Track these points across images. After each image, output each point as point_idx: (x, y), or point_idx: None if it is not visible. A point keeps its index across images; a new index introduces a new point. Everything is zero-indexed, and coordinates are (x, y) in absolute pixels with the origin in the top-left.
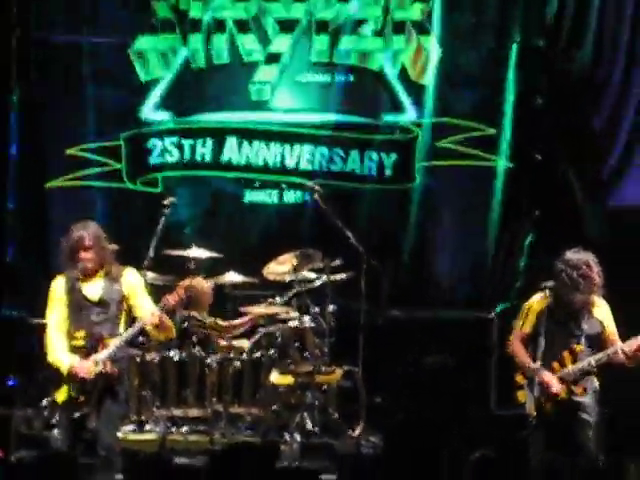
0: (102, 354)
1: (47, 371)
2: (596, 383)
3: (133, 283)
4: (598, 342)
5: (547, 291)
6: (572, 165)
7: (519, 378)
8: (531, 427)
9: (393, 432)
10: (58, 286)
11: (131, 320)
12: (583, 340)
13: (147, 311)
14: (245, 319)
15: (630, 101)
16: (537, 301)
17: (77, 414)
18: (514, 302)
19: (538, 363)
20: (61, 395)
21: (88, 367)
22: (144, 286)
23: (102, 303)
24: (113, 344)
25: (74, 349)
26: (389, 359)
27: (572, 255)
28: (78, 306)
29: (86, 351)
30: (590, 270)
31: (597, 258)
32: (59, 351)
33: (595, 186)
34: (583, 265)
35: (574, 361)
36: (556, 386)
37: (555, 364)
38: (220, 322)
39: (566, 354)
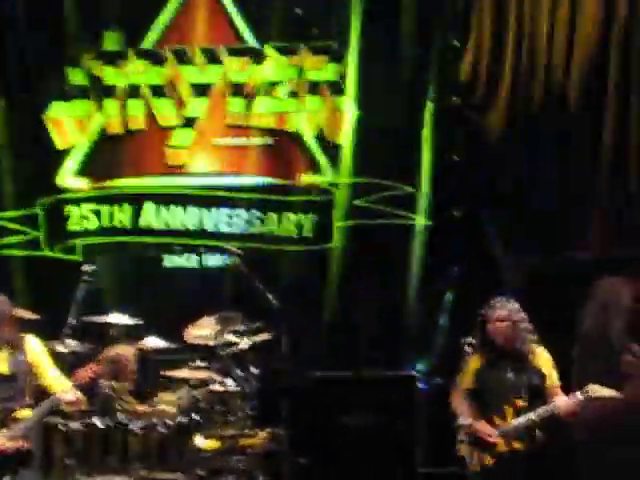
0: (14, 430)
1: None
2: (538, 437)
3: (36, 351)
4: (538, 393)
5: (472, 347)
6: (491, 220)
7: (461, 434)
8: None
9: None
10: None
11: (37, 388)
12: (523, 392)
13: (55, 380)
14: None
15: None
16: (475, 357)
17: None
18: (435, 360)
19: (473, 420)
20: None
21: None
22: (46, 352)
23: (10, 377)
24: (25, 423)
25: None
26: (313, 420)
27: (496, 306)
28: None
29: None
30: (497, 311)
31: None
32: None
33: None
34: (492, 306)
35: (516, 415)
36: (494, 437)
37: (496, 419)
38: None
39: (507, 408)
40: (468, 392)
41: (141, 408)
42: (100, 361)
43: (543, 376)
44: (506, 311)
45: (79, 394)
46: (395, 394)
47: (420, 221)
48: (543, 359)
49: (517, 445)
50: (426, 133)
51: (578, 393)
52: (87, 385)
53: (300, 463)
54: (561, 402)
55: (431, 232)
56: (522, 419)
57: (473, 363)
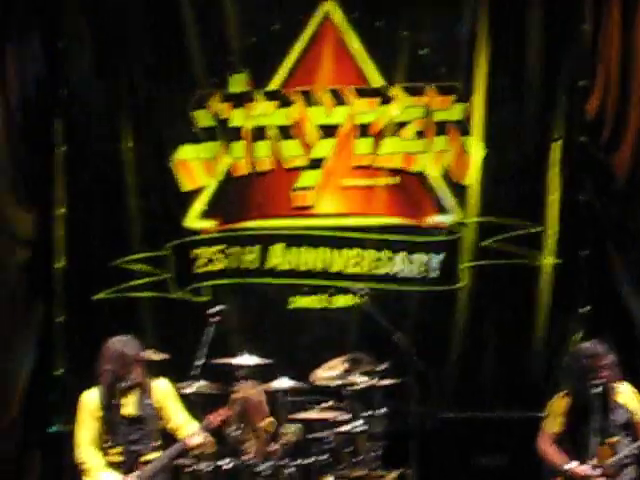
0: (143, 473)
1: None
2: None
3: (164, 392)
4: (630, 429)
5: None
6: (619, 259)
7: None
8: None
9: None
10: (91, 399)
11: (164, 432)
12: (615, 430)
13: (181, 424)
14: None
15: None
16: (561, 400)
17: None
18: None
19: (574, 462)
20: None
21: None
22: (175, 395)
23: (138, 420)
24: (153, 465)
25: (110, 465)
26: (441, 461)
27: (579, 347)
28: (114, 423)
29: (124, 468)
30: (594, 361)
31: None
32: (97, 469)
33: None
34: (587, 357)
35: (612, 453)
36: (598, 477)
37: (594, 461)
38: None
39: (604, 448)
40: (557, 436)
41: (272, 448)
42: (231, 403)
43: (630, 412)
44: (612, 357)
45: (208, 437)
46: (523, 435)
47: (547, 261)
48: (629, 395)
49: None
50: (553, 173)
51: None
52: (216, 429)
53: None
54: None
55: (558, 272)
56: (622, 454)
57: (559, 406)
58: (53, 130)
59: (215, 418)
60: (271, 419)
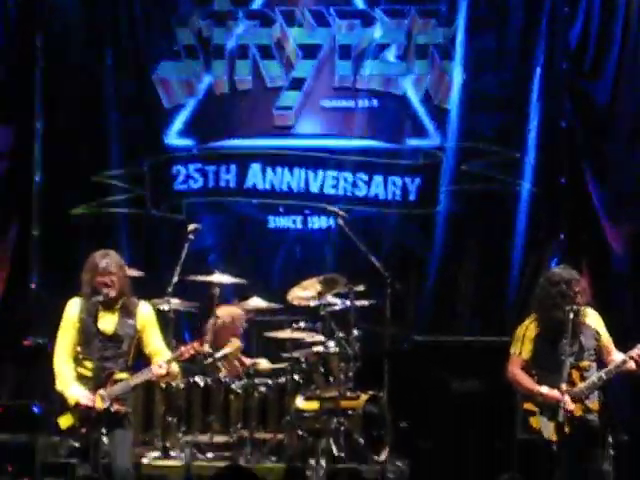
0: (110, 391)
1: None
2: (602, 398)
3: (147, 318)
4: (597, 352)
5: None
6: (596, 186)
7: (528, 405)
8: (554, 452)
9: (418, 457)
10: (73, 308)
11: (138, 354)
12: (585, 354)
13: (157, 351)
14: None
15: None
16: (529, 325)
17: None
18: None
19: (545, 387)
20: (64, 422)
21: (94, 402)
22: (156, 321)
23: (115, 338)
24: (122, 385)
25: (80, 377)
26: (414, 384)
27: (551, 272)
28: (90, 336)
29: (93, 383)
30: (569, 287)
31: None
32: (67, 380)
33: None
34: (562, 282)
35: (582, 378)
36: (570, 404)
37: (563, 384)
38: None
39: (573, 372)
40: (526, 362)
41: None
42: (194, 344)
43: (598, 335)
44: (583, 283)
45: (176, 367)
46: (495, 359)
47: (526, 187)
48: (596, 319)
49: (593, 406)
50: (534, 99)
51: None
52: (188, 360)
53: (400, 426)
54: (629, 355)
55: (537, 199)
56: (593, 379)
57: (529, 331)
58: (34, 45)
59: (187, 350)
60: (238, 344)
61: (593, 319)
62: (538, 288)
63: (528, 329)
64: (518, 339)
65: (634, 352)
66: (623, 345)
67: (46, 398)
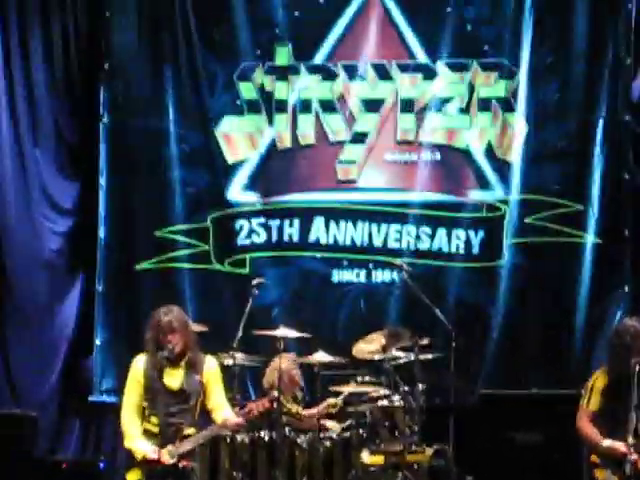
0: (178, 447)
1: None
2: None
3: (212, 373)
4: None
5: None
6: None
7: (593, 457)
8: None
9: None
10: (138, 366)
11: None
12: None
13: (220, 406)
14: (322, 406)
15: None
16: (599, 377)
17: None
18: None
19: (609, 440)
20: (132, 477)
21: (163, 458)
22: (221, 376)
23: (181, 393)
24: (190, 441)
25: (147, 433)
26: (479, 438)
27: (621, 324)
28: (156, 392)
29: (161, 439)
30: (634, 339)
31: None
32: (135, 435)
33: None
34: (628, 334)
35: None
36: (634, 455)
37: (629, 437)
38: (301, 411)
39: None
40: (595, 414)
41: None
42: (263, 400)
43: None
44: (627, 328)
45: (243, 422)
46: (562, 413)
47: (590, 239)
48: None
49: None
50: (597, 151)
51: None
52: (256, 419)
53: None
54: None
55: (600, 251)
56: None
57: (598, 383)
58: (97, 101)
59: (257, 407)
60: (336, 400)
61: None
62: (609, 339)
63: (597, 381)
64: (587, 390)
65: None
66: None
67: (112, 455)
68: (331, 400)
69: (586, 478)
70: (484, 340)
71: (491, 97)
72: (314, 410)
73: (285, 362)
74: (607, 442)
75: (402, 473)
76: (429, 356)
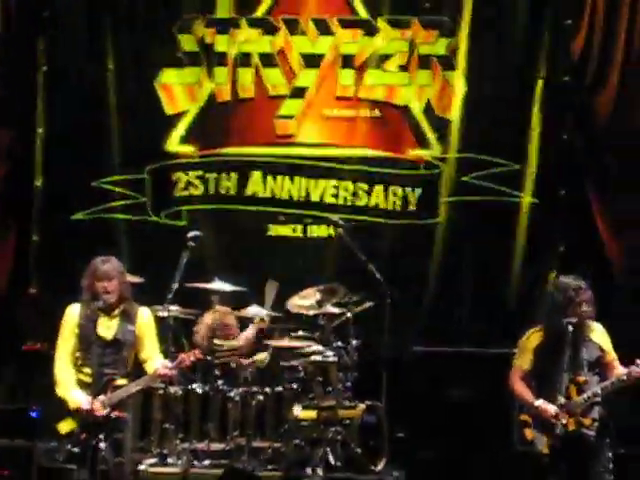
0: (111, 398)
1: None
2: (600, 412)
3: (146, 324)
4: (599, 368)
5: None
6: (596, 198)
7: (524, 416)
8: (546, 465)
9: (416, 467)
10: (72, 315)
11: (136, 360)
12: (585, 369)
13: (152, 357)
14: (249, 331)
15: None
16: (533, 335)
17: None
18: None
19: (540, 400)
20: (64, 427)
21: (96, 408)
22: (154, 327)
23: (115, 344)
24: (122, 391)
25: (80, 383)
26: (412, 394)
27: (558, 282)
28: (89, 342)
29: (94, 389)
30: (577, 294)
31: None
32: (68, 385)
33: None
34: (571, 289)
35: (580, 392)
36: (563, 418)
37: (559, 397)
38: (235, 343)
39: (571, 386)
40: (527, 372)
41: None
42: (195, 351)
43: (602, 350)
44: (590, 295)
45: (174, 373)
46: (495, 371)
47: (526, 199)
48: (601, 334)
49: (586, 422)
50: (535, 111)
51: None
52: (187, 370)
53: (397, 436)
54: (626, 372)
55: (537, 211)
56: (588, 394)
57: (531, 341)
58: (36, 49)
59: (188, 357)
60: (265, 355)
61: (598, 334)
62: (546, 296)
63: (531, 339)
64: (520, 348)
65: (633, 369)
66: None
67: (45, 403)
68: (260, 355)
69: (516, 437)
70: (419, 297)
71: (431, 55)
72: (246, 334)
73: (219, 314)
74: (538, 402)
75: (334, 428)
76: (362, 309)
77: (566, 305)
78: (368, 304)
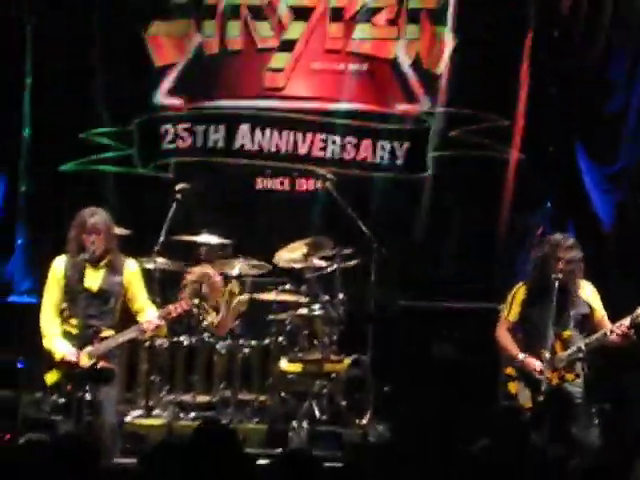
0: (97, 349)
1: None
2: (584, 368)
3: (133, 275)
4: (587, 325)
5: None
6: (584, 156)
7: (509, 370)
8: (528, 419)
9: (400, 421)
10: (59, 267)
11: (124, 312)
12: (571, 324)
13: (143, 307)
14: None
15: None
16: (520, 288)
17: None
18: None
19: (524, 354)
20: (50, 378)
21: (81, 359)
22: (142, 278)
23: (101, 295)
24: (109, 342)
25: (66, 334)
26: (398, 348)
27: (547, 237)
28: (75, 293)
29: (80, 341)
30: (560, 250)
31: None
32: (54, 337)
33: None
34: (554, 245)
35: (564, 347)
36: (547, 372)
37: (544, 352)
38: (216, 321)
39: (556, 342)
40: (513, 325)
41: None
42: (182, 301)
43: (591, 308)
44: (577, 252)
45: (162, 324)
46: (482, 326)
47: (514, 154)
48: (591, 293)
49: (569, 377)
50: (525, 66)
51: (626, 319)
52: (174, 321)
53: (383, 390)
54: (610, 328)
55: (524, 166)
56: (573, 349)
57: (519, 294)
58: (23, 2)
59: (175, 309)
60: (245, 297)
61: (587, 292)
62: (534, 251)
63: (518, 292)
64: (508, 301)
65: (617, 326)
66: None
67: (31, 354)
68: (241, 297)
69: (500, 391)
70: (406, 252)
71: (420, 8)
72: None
73: (206, 270)
74: (522, 355)
75: (319, 381)
76: (350, 265)
77: (550, 260)
78: (355, 261)
